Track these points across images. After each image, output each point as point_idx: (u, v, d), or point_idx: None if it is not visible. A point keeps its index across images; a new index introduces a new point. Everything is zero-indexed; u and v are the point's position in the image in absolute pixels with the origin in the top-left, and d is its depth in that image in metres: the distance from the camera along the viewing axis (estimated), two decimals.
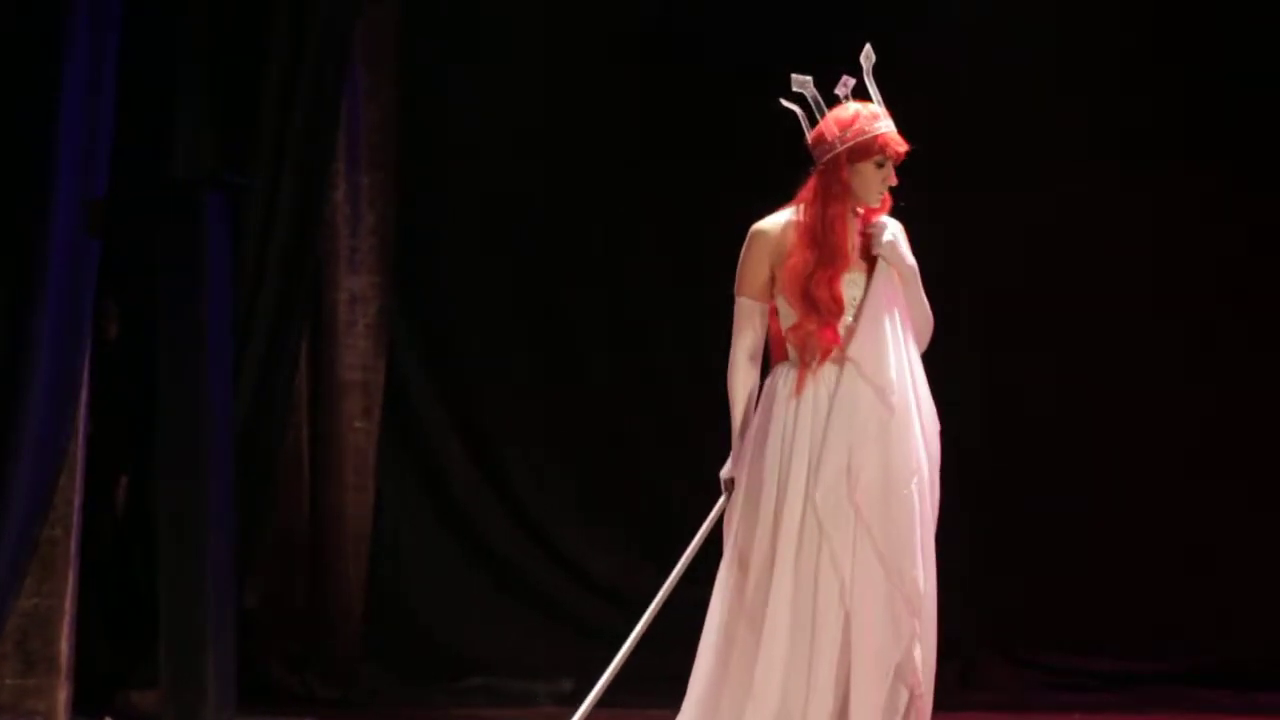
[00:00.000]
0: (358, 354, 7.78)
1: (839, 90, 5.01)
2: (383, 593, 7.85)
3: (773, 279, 5.01)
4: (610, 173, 7.98)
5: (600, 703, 5.20)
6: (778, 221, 5.02)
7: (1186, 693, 7.72)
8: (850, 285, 5.01)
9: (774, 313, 5.03)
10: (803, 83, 5.05)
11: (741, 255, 5.03)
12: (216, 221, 6.75)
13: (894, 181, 5.01)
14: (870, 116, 5.02)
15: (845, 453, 4.91)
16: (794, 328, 4.98)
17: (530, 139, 7.97)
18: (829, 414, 4.93)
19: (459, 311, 8.02)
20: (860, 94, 5.00)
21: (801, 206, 5.02)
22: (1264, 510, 7.80)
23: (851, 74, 4.93)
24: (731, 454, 5.02)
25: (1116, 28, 7.91)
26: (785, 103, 5.06)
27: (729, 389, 5.03)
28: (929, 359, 4.96)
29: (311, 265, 7.48)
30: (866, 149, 4.98)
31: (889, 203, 5.04)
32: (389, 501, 7.88)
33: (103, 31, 6.43)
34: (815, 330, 4.95)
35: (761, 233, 5.03)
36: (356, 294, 7.77)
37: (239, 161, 7.18)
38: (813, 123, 5.04)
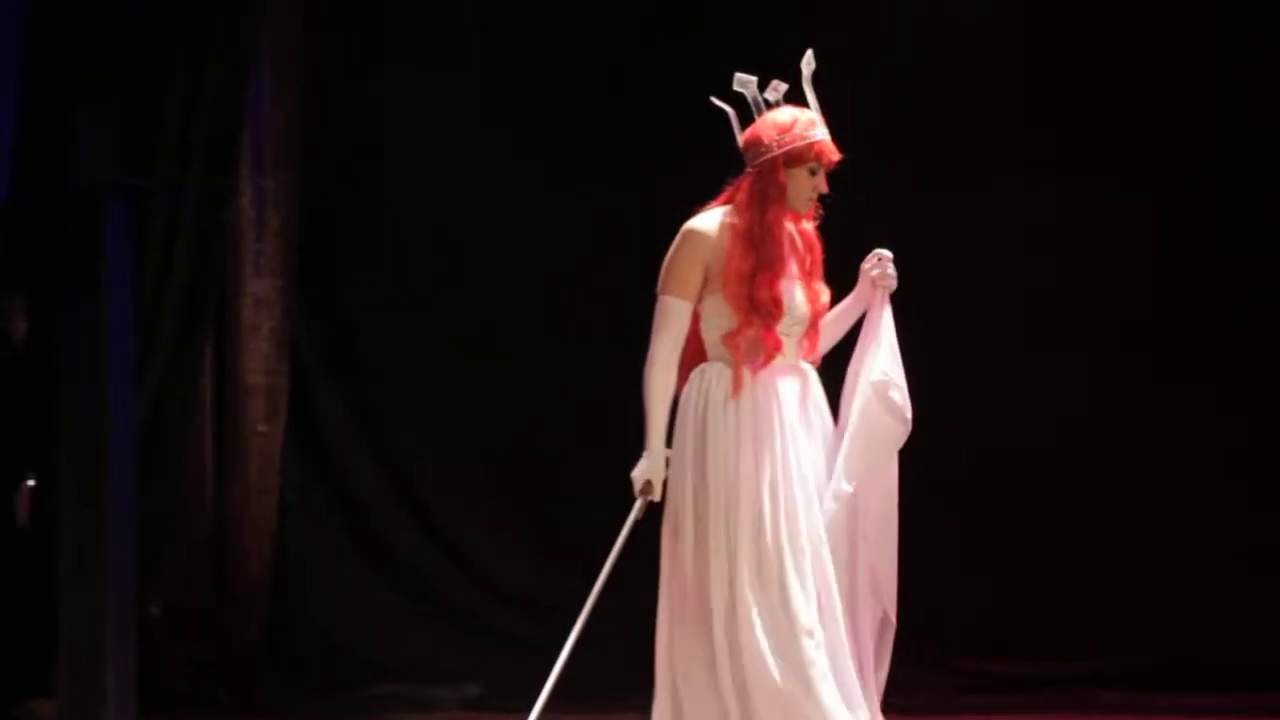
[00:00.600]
0: (262, 358, 7.74)
1: (769, 94, 5.00)
2: (287, 599, 7.80)
3: (704, 280, 4.98)
4: (519, 174, 7.95)
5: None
6: (712, 222, 4.98)
7: (1087, 695, 7.77)
8: (787, 290, 5.00)
9: (695, 316, 4.99)
10: (745, 82, 5.03)
11: (672, 254, 4.97)
12: (117, 225, 6.70)
13: (825, 189, 5.01)
14: (808, 123, 5.00)
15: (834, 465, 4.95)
16: (734, 332, 4.94)
17: (436, 141, 7.94)
18: (795, 424, 4.93)
19: (364, 315, 7.98)
20: (796, 99, 4.99)
21: (735, 208, 4.98)
22: (1168, 514, 7.84)
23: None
24: (646, 454, 4.97)
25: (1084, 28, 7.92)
26: (716, 101, 5.04)
27: (648, 388, 4.96)
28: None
29: (216, 269, 7.45)
30: (802, 155, 4.97)
31: (815, 211, 5.04)
32: (293, 507, 7.84)
33: (4, 33, 6.37)
34: (758, 334, 4.93)
35: (697, 233, 4.97)
36: (261, 298, 7.73)
37: (142, 165, 7.14)
38: (745, 124, 5.03)
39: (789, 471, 4.91)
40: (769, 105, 4.99)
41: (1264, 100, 7.87)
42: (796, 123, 4.99)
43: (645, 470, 5.00)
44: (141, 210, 6.96)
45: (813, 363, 5.07)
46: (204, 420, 7.64)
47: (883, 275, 5.08)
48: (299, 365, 7.81)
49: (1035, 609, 7.85)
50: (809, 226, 5.09)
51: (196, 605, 7.63)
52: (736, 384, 4.95)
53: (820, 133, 5.00)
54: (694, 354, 5.03)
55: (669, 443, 4.98)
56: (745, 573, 4.87)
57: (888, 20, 7.84)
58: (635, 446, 7.83)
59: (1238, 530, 7.79)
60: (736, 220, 4.97)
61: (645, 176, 7.89)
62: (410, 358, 7.98)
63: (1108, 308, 7.88)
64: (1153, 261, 7.89)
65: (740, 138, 5.04)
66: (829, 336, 5.12)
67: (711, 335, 4.99)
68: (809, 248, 5.08)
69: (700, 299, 4.98)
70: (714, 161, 5.03)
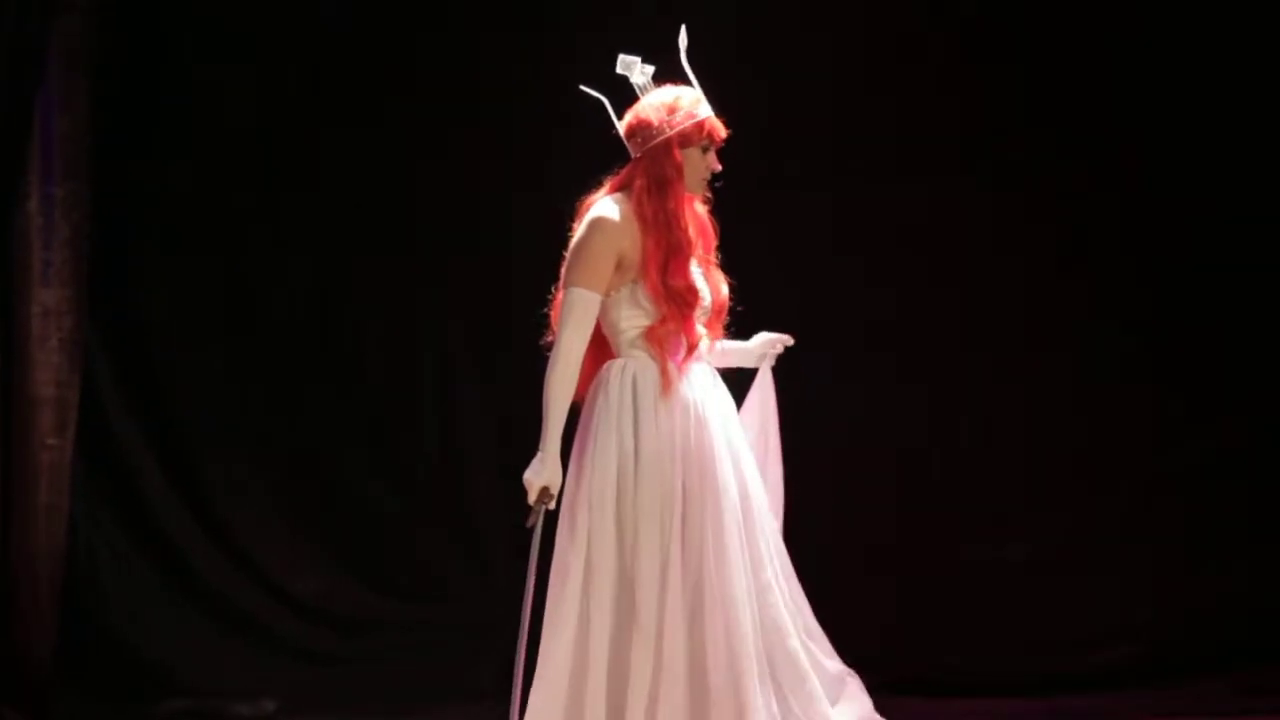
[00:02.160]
0: (51, 369, 7.57)
1: (637, 77, 4.90)
2: (78, 615, 7.65)
3: (616, 271, 4.82)
4: (315, 174, 7.87)
5: None
6: (616, 210, 4.81)
7: (889, 702, 7.81)
8: (698, 278, 4.89)
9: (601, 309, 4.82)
10: (629, 64, 4.92)
11: (581, 243, 4.79)
12: None
13: (718, 167, 4.91)
14: (694, 100, 4.90)
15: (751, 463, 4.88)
16: (656, 325, 4.80)
17: (230, 146, 7.85)
18: (723, 419, 4.85)
19: (156, 325, 7.85)
20: (664, 79, 4.91)
21: (633, 194, 4.83)
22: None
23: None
24: (542, 458, 4.78)
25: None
26: (586, 88, 4.94)
27: (551, 386, 4.75)
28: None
29: (2, 278, 7.30)
30: (695, 134, 4.85)
31: (705, 194, 4.95)
32: (83, 521, 7.69)
33: None
34: (677, 326, 4.80)
35: (608, 221, 4.79)
36: (50, 308, 7.56)
37: None
38: (617, 108, 4.93)
39: (742, 475, 4.83)
40: (640, 89, 4.90)
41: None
42: (681, 101, 4.89)
43: (544, 476, 4.79)
44: None
45: (710, 342, 4.96)
46: None
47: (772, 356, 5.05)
48: (88, 377, 7.66)
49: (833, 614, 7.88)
50: (702, 210, 4.99)
51: None
52: (666, 381, 4.80)
53: (706, 110, 4.89)
54: (596, 347, 4.87)
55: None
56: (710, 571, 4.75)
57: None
58: (436, 454, 7.88)
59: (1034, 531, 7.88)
60: (640, 207, 4.81)
61: (425, 169, 7.87)
62: (203, 368, 7.86)
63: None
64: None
65: (621, 124, 4.92)
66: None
67: (626, 329, 4.83)
68: (702, 232, 4.96)
69: (609, 292, 4.82)
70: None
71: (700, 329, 4.88)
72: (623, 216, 4.82)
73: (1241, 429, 7.88)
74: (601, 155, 5.02)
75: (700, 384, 4.86)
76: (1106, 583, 7.83)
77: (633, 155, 4.89)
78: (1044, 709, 7.51)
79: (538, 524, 4.87)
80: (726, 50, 6.89)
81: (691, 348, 4.86)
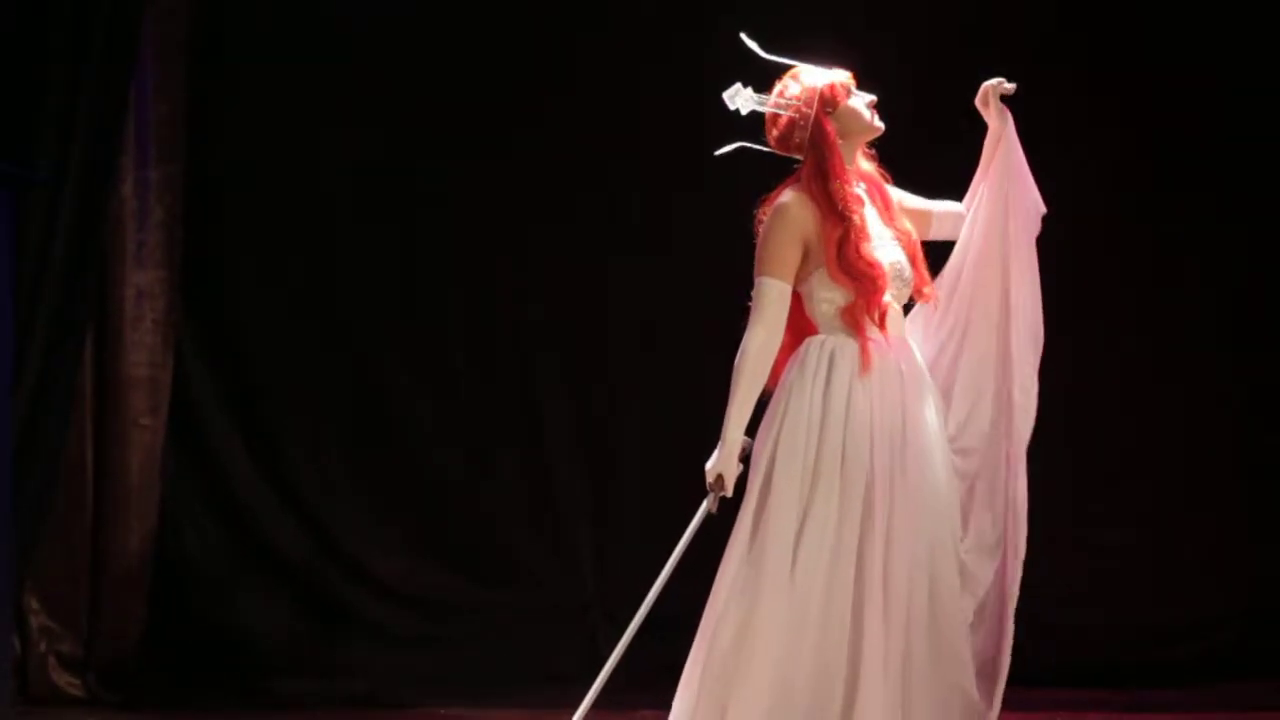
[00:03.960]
0: (145, 350, 7.65)
1: (740, 102, 4.96)
2: (167, 595, 7.72)
3: (804, 258, 4.88)
4: (405, 173, 7.92)
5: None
6: (796, 199, 4.87)
7: None
8: (881, 249, 4.92)
9: (796, 297, 4.89)
10: (733, 95, 4.98)
11: (767, 234, 4.85)
12: None
13: (873, 98, 4.93)
14: (808, 70, 4.96)
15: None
16: (849, 306, 4.84)
17: (324, 136, 7.89)
18: (904, 391, 4.84)
19: (248, 308, 7.92)
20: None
21: (804, 183, 4.89)
22: None
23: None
24: (721, 445, 4.82)
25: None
26: (742, 143, 5.00)
27: (739, 374, 4.79)
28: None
29: (97, 260, 7.37)
30: (830, 94, 4.91)
31: (869, 153, 5.00)
32: (174, 502, 7.76)
33: None
34: (868, 303, 4.82)
35: (790, 209, 4.86)
36: (143, 289, 7.64)
37: (21, 154, 7.05)
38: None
39: (906, 463, 4.82)
40: (760, 103, 4.96)
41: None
42: (802, 79, 4.96)
43: (718, 464, 4.83)
44: (21, 200, 6.86)
45: (929, 298, 4.98)
46: (83, 414, 7.54)
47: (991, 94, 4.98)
48: (180, 358, 7.73)
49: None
50: (870, 167, 5.03)
51: (76, 603, 7.53)
52: (866, 359, 4.83)
53: (823, 71, 4.96)
54: (797, 333, 4.91)
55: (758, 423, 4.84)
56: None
57: None
58: (520, 438, 7.91)
59: None
60: (811, 193, 4.87)
61: (529, 177, 7.89)
62: (294, 353, 7.91)
63: None
64: None
65: (774, 134, 4.98)
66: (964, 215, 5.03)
67: (825, 311, 4.88)
68: (877, 192, 5.01)
69: (803, 279, 4.88)
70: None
71: (893, 304, 4.90)
72: (801, 204, 4.87)
73: None
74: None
75: (902, 365, 4.89)
76: (1191, 575, 7.80)
77: (799, 157, 4.96)
78: (1125, 700, 7.49)
79: (708, 511, 4.89)
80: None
81: (881, 327, 4.86)
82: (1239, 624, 7.81)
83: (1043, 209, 5.05)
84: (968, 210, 5.06)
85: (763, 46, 4.95)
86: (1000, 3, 7.85)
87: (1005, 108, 5.00)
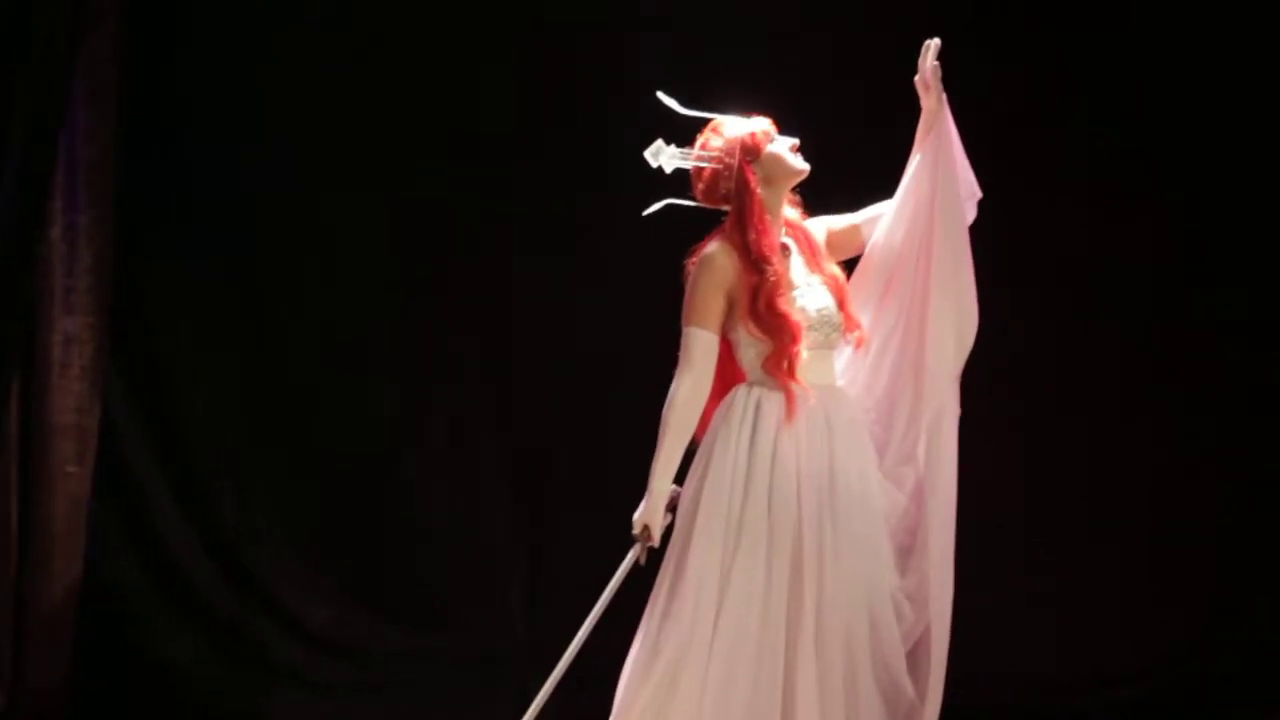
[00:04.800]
0: (72, 397, 7.59)
1: (663, 159, 4.97)
2: (93, 643, 7.65)
3: (729, 308, 4.91)
4: (332, 213, 7.90)
5: None
6: (720, 249, 4.92)
7: None
8: (806, 296, 4.94)
9: (725, 345, 4.92)
10: (656, 150, 5.01)
11: (693, 283, 4.90)
12: None
13: (796, 140, 4.98)
14: (730, 121, 5.02)
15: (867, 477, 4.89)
16: (771, 355, 4.88)
17: (254, 181, 7.87)
18: (830, 437, 4.87)
19: (177, 354, 7.87)
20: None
21: (727, 233, 4.94)
22: None
23: None
24: (648, 496, 4.84)
25: None
26: (670, 202, 5.01)
27: (664, 424, 4.83)
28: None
29: (24, 305, 7.31)
30: (752, 142, 4.97)
31: (794, 200, 5.04)
32: (100, 550, 7.69)
33: None
34: (786, 352, 4.86)
35: (714, 259, 4.91)
36: (71, 335, 7.59)
37: None
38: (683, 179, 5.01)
39: (835, 510, 4.84)
40: (684, 156, 4.98)
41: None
42: (722, 130, 5.01)
43: (645, 514, 4.87)
44: None
45: (860, 341, 4.99)
46: (9, 462, 7.48)
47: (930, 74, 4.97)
48: (109, 405, 7.67)
49: None
50: (795, 216, 5.04)
51: None
52: (790, 408, 4.86)
53: (745, 121, 5.00)
54: (727, 381, 4.94)
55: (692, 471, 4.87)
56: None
57: None
58: (445, 487, 7.88)
59: None
60: (733, 243, 4.92)
61: (462, 210, 7.88)
62: (223, 399, 7.87)
63: None
64: None
65: (698, 186, 4.99)
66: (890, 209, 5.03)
67: (750, 359, 4.92)
68: (804, 242, 5.04)
69: (731, 327, 4.91)
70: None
71: (818, 351, 4.90)
72: (726, 253, 4.92)
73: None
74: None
75: (829, 413, 4.89)
76: (1106, 628, 7.81)
77: (726, 208, 4.97)
78: None
79: (634, 560, 4.91)
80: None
81: (791, 371, 4.87)
82: (1159, 678, 7.81)
83: (977, 193, 5.06)
84: (896, 198, 5.09)
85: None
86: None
87: (943, 90, 5.02)
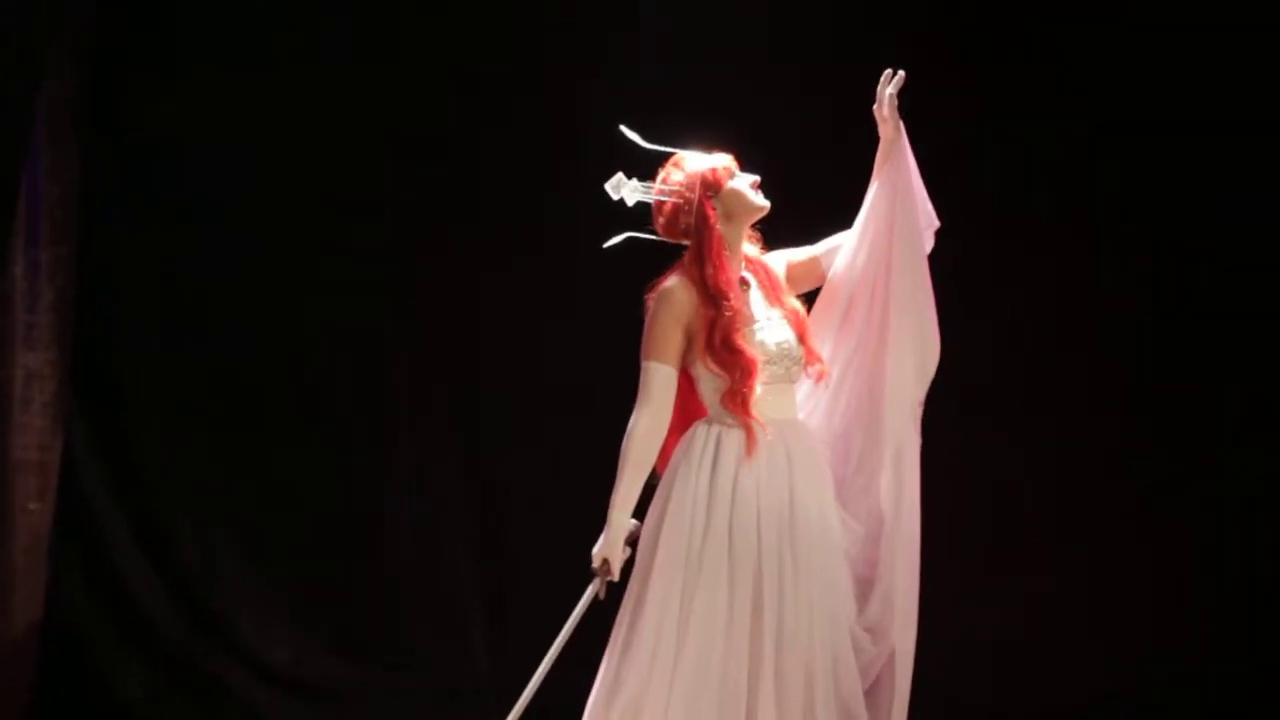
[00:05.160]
0: (33, 433, 7.57)
1: (625, 193, 4.98)
2: (53, 679, 7.62)
3: (688, 342, 4.91)
4: (299, 252, 7.89)
5: None
6: (678, 283, 4.94)
7: None
8: (766, 330, 4.96)
9: (686, 379, 4.93)
10: (616, 184, 5.01)
11: (651, 317, 4.91)
12: None
13: (756, 177, 4.98)
14: (692, 156, 5.03)
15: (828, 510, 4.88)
16: (729, 391, 4.88)
17: (216, 219, 7.86)
18: (790, 472, 4.87)
19: (138, 391, 7.85)
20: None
21: (686, 267, 4.95)
22: None
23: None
24: (606, 529, 4.84)
25: None
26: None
27: (631, 458, 4.83)
28: None
29: None
30: (713, 178, 4.98)
31: (754, 237, 5.04)
32: (61, 586, 7.66)
33: None
34: (743, 387, 4.86)
35: (672, 293, 4.92)
36: (33, 371, 7.57)
37: None
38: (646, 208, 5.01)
39: (796, 548, 4.84)
40: (646, 190, 4.99)
41: None
42: (684, 165, 5.02)
43: (604, 548, 4.86)
44: None
45: (821, 374, 5.00)
46: None
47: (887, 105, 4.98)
48: (71, 441, 7.65)
49: None
50: (754, 252, 5.05)
51: None
52: (750, 443, 4.86)
53: (706, 157, 5.01)
54: (689, 414, 4.94)
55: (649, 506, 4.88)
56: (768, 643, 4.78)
57: None
58: (407, 524, 7.87)
59: None
60: (691, 278, 4.93)
61: (426, 249, 7.88)
62: (184, 436, 7.85)
63: None
64: None
65: (659, 219, 4.99)
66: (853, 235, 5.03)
67: (709, 394, 4.92)
68: (764, 272, 5.04)
69: (692, 361, 4.91)
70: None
71: (776, 385, 4.91)
72: (684, 288, 4.94)
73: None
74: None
75: (789, 447, 4.89)
76: (1080, 654, 7.81)
77: (686, 243, 4.98)
78: None
79: (593, 595, 4.90)
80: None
81: (745, 406, 4.87)
82: (1128, 707, 7.82)
83: (935, 223, 5.08)
84: (855, 228, 5.10)
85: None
86: None
87: (900, 119, 5.03)
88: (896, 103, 4.99)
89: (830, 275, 5.08)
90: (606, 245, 5.04)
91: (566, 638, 4.92)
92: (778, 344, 4.94)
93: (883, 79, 5.02)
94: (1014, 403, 7.72)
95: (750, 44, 7.64)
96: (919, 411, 5.00)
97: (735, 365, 4.85)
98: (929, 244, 5.05)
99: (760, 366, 4.88)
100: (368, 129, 7.88)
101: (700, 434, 4.90)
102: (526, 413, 7.87)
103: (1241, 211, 7.72)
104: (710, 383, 4.92)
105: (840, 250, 5.09)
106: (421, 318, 7.92)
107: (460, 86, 7.88)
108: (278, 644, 7.81)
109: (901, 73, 5.00)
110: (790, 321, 5.00)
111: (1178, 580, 7.78)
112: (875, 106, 5.04)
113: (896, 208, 4.98)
